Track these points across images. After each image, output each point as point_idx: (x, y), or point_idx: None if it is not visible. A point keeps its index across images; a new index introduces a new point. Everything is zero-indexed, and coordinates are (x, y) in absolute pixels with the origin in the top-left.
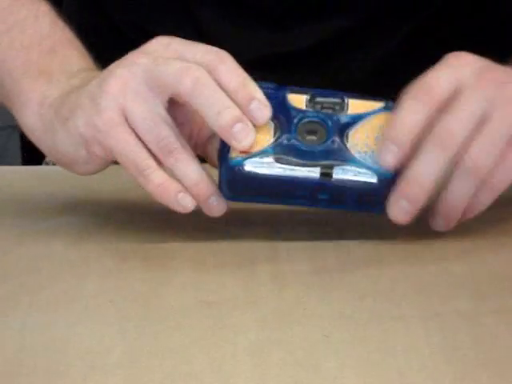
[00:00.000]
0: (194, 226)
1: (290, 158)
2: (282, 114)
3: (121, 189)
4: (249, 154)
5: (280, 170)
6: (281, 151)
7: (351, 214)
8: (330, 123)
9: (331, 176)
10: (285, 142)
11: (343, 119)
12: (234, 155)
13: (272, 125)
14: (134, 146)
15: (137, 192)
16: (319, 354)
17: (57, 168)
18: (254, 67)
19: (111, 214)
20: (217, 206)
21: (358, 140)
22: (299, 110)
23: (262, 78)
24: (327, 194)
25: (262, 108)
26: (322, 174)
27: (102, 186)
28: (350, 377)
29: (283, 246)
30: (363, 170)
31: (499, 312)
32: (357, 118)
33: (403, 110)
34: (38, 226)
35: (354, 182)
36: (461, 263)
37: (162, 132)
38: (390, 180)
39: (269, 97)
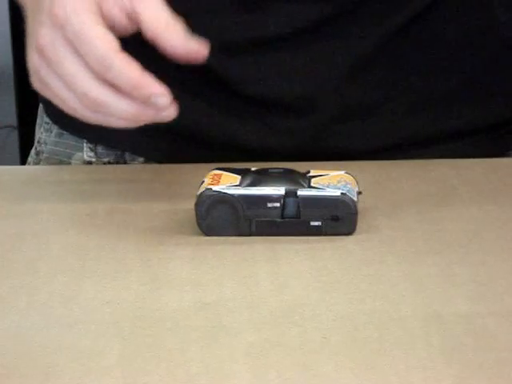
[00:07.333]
0: (193, 225)
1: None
2: None
3: (119, 189)
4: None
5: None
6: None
7: None
8: None
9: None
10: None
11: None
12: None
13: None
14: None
15: (136, 192)
16: (318, 355)
17: (55, 168)
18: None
19: (110, 214)
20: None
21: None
22: None
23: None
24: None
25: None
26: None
27: (101, 186)
28: (348, 378)
29: (283, 246)
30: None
31: (499, 313)
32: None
33: None
34: (36, 227)
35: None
36: (461, 264)
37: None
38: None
39: None
